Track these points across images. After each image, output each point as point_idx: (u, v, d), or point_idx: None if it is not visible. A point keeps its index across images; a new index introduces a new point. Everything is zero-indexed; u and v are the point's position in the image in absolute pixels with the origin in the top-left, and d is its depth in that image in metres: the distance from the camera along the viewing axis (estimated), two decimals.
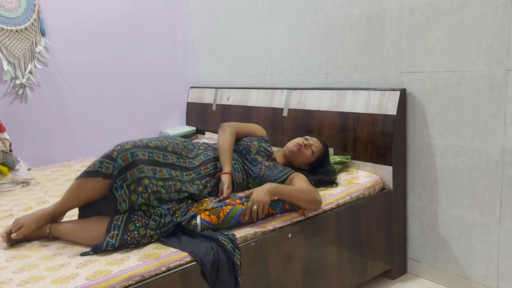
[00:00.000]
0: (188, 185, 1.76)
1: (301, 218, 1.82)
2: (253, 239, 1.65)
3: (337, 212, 1.94)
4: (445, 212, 2.12)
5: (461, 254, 2.09)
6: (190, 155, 1.91)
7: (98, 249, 1.50)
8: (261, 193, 1.73)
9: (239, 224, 1.70)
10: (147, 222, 1.56)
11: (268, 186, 1.77)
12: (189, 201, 1.73)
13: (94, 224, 1.58)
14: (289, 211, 1.83)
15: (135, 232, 1.53)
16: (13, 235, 1.57)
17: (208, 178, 1.87)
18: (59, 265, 1.41)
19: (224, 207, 1.69)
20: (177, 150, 1.85)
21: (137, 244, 1.53)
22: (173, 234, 1.64)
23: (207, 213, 1.66)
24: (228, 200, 1.74)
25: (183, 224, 1.64)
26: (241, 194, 1.82)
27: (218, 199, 1.76)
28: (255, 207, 1.70)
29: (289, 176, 2.00)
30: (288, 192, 1.81)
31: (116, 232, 1.51)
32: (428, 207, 2.18)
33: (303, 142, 2.10)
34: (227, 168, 1.90)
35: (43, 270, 1.38)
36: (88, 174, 1.57)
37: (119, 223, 1.53)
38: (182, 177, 1.76)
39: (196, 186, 1.80)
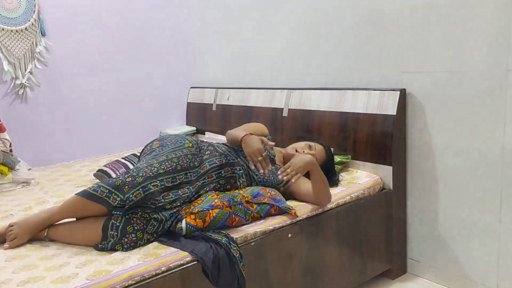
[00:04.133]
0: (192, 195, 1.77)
1: (301, 218, 1.82)
2: (253, 239, 1.65)
3: (337, 212, 1.94)
4: (445, 212, 2.12)
5: (461, 254, 2.09)
6: (196, 162, 1.87)
7: (103, 250, 1.52)
8: (301, 161, 1.81)
9: (226, 228, 1.67)
10: (144, 227, 1.56)
11: (308, 158, 1.84)
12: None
13: (91, 224, 1.57)
14: (274, 215, 1.80)
15: (133, 235, 1.53)
16: (6, 246, 1.56)
17: (212, 186, 1.85)
18: (59, 265, 1.41)
19: (211, 211, 1.64)
20: (185, 165, 1.81)
21: (134, 246, 1.53)
22: (172, 234, 1.64)
23: (192, 216, 1.63)
24: (216, 201, 1.69)
25: (171, 228, 1.65)
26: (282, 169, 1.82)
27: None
28: (289, 169, 1.78)
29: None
30: (321, 173, 1.87)
31: (115, 232, 1.52)
32: (428, 207, 2.18)
33: (303, 152, 2.06)
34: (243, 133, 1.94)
35: (43, 270, 1.38)
36: (93, 198, 1.54)
37: (118, 223, 1.53)
38: (189, 191, 1.75)
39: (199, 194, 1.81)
